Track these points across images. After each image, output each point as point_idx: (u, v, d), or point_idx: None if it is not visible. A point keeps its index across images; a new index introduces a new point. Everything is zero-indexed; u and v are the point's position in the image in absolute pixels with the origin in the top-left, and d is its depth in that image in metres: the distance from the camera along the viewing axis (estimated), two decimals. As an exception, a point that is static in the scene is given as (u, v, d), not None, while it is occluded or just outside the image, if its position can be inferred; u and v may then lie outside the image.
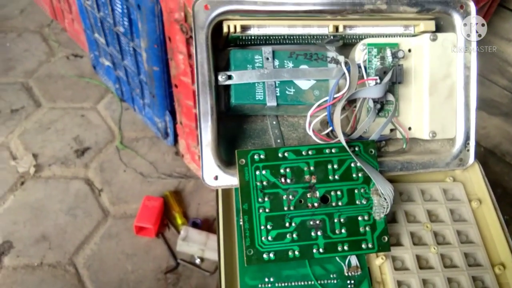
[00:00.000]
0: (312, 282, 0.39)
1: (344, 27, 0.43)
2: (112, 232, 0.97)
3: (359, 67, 0.43)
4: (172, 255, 0.94)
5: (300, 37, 0.43)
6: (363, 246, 0.39)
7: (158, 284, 0.90)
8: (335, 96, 0.41)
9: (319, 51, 0.43)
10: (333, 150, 0.40)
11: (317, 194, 0.39)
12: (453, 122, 0.44)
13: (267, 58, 0.41)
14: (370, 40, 0.44)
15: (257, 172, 0.39)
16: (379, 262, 0.41)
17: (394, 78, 0.43)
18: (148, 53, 0.91)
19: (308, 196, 0.39)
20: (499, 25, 1.09)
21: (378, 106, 0.43)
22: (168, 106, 1.03)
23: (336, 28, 0.43)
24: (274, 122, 0.45)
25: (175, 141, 1.11)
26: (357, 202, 0.40)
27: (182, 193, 1.06)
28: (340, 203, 0.39)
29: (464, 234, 0.44)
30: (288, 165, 0.39)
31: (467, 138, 0.44)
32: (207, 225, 1.00)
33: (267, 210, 0.38)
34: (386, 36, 0.44)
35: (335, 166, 0.40)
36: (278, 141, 0.44)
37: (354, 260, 0.40)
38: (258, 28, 0.41)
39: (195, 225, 0.98)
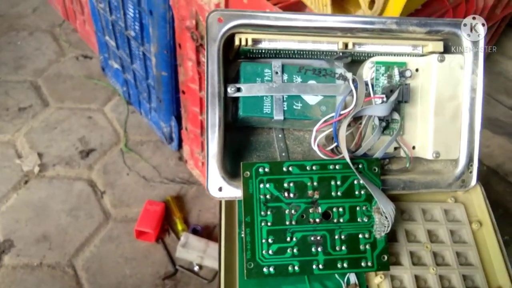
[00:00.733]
0: (311, 298, 0.39)
1: (354, 44, 0.43)
2: (113, 235, 0.97)
3: (367, 84, 0.43)
4: (171, 261, 0.94)
5: (310, 52, 0.43)
6: (363, 264, 0.39)
7: (156, 289, 0.90)
8: (342, 112, 0.42)
9: (328, 67, 0.44)
10: (337, 167, 0.40)
11: (319, 209, 0.39)
12: (457, 143, 0.44)
13: (276, 72, 0.42)
14: (378, 58, 0.44)
15: (261, 185, 0.39)
16: (377, 280, 0.41)
17: (400, 97, 0.43)
18: (158, 58, 0.91)
19: (310, 211, 0.39)
20: (506, 45, 1.09)
21: (384, 124, 0.43)
22: (174, 112, 1.04)
23: (346, 45, 0.43)
24: (280, 135, 0.46)
25: (179, 146, 1.12)
26: (358, 219, 0.40)
27: (183, 198, 1.06)
28: (341, 220, 0.40)
29: (464, 256, 0.44)
30: (292, 179, 0.40)
31: (470, 160, 0.44)
32: (207, 232, 1.00)
33: (269, 224, 0.39)
34: (394, 55, 0.45)
35: (338, 183, 0.40)
36: (283, 154, 0.44)
37: (353, 278, 0.40)
38: (269, 42, 0.42)
39: (195, 232, 0.98)
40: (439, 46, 0.44)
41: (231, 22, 0.39)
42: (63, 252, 0.93)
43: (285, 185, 0.39)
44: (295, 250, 0.38)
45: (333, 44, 0.43)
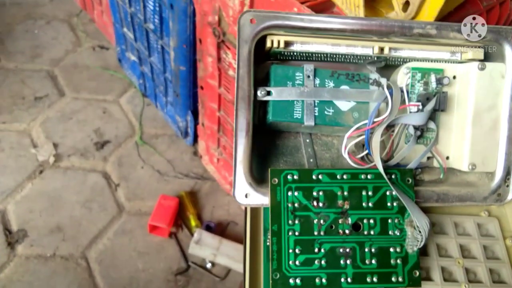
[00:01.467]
0: (338, 312, 0.38)
1: (390, 49, 0.41)
2: (126, 229, 0.97)
3: (402, 91, 0.41)
4: (183, 257, 0.93)
5: (343, 56, 0.42)
6: (393, 279, 0.38)
7: (168, 285, 0.89)
8: (375, 120, 0.40)
9: (361, 72, 0.42)
10: (368, 176, 0.39)
11: (349, 220, 0.38)
12: (494, 156, 0.43)
13: (308, 76, 0.40)
14: (415, 64, 0.42)
15: (289, 193, 0.38)
16: (407, 296, 0.39)
17: (437, 105, 0.41)
18: (176, 52, 0.90)
19: (340, 222, 0.38)
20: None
21: (418, 133, 0.41)
22: (190, 106, 1.03)
23: (382, 49, 0.41)
24: (308, 140, 0.44)
25: (195, 141, 1.11)
26: (390, 232, 0.38)
27: (197, 194, 1.05)
28: (372, 232, 0.38)
29: (497, 273, 0.42)
30: (322, 188, 0.38)
31: (507, 173, 0.42)
32: (220, 229, 0.99)
33: (296, 233, 0.37)
34: (431, 61, 0.43)
35: (370, 193, 0.39)
36: (311, 160, 0.43)
37: (382, 293, 0.39)
38: (301, 45, 0.40)
39: (208, 228, 0.98)
40: (480, 53, 0.42)
41: (264, 23, 0.38)
42: (76, 244, 0.93)
43: (314, 193, 0.38)
44: (323, 262, 0.37)
45: (368, 48, 0.41)
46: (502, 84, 0.42)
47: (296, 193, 0.38)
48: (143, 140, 1.14)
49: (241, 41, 0.37)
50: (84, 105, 1.20)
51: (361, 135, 0.41)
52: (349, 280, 0.37)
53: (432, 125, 0.42)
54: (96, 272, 0.89)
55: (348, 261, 0.37)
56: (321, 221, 0.38)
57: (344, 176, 0.39)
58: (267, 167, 0.39)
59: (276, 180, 0.38)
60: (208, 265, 0.93)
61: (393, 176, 0.39)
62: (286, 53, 0.41)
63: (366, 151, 0.41)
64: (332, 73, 0.41)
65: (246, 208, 0.41)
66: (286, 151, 0.44)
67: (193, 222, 0.99)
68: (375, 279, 0.37)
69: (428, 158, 0.44)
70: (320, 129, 0.43)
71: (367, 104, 0.42)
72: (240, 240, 0.93)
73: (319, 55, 0.41)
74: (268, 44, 0.39)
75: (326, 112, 0.41)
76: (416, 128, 0.41)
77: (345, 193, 0.38)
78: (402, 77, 0.42)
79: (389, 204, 0.39)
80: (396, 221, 0.38)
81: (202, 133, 1.02)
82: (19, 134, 1.11)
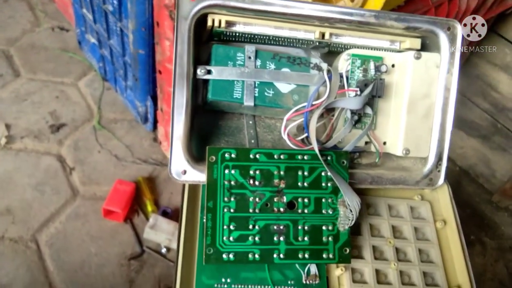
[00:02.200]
0: (269, 287, 0.39)
1: (331, 34, 0.43)
2: (79, 213, 0.95)
3: (341, 76, 0.42)
4: (138, 242, 0.93)
5: (286, 40, 0.42)
6: (324, 255, 0.39)
7: (121, 270, 0.89)
8: (314, 103, 0.41)
9: (303, 56, 0.43)
10: (305, 157, 0.40)
11: (284, 199, 0.39)
12: (427, 142, 0.45)
13: (249, 57, 0.41)
14: (355, 51, 0.44)
15: (226, 171, 0.38)
16: (338, 273, 0.41)
17: (374, 91, 0.43)
18: (135, 35, 0.89)
19: (275, 200, 0.39)
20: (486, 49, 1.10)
21: (356, 117, 0.43)
22: (150, 91, 1.01)
23: (323, 35, 0.42)
24: (251, 122, 0.45)
25: (154, 127, 1.10)
26: (323, 211, 0.40)
27: (155, 180, 1.05)
28: (306, 211, 0.39)
29: (425, 253, 0.44)
30: (259, 167, 0.39)
31: (439, 159, 0.45)
32: (177, 215, 0.99)
33: (231, 210, 0.38)
34: (371, 49, 0.44)
35: (306, 173, 0.40)
36: (252, 141, 0.44)
37: (313, 269, 0.40)
38: (244, 26, 0.41)
39: (165, 214, 0.97)
40: (417, 43, 0.44)
41: (204, 1, 0.38)
42: (26, 227, 0.91)
43: (251, 172, 0.39)
44: (256, 238, 0.38)
45: (310, 33, 0.42)
46: (437, 74, 0.44)
47: (233, 171, 0.38)
48: (101, 124, 1.12)
49: (180, 18, 0.37)
50: (40, 86, 1.17)
51: (301, 118, 0.42)
52: (281, 256, 0.38)
53: (369, 110, 0.43)
54: (46, 255, 0.88)
55: (281, 238, 0.38)
56: (257, 199, 0.38)
57: (282, 156, 0.39)
58: (208, 146, 0.39)
59: (214, 158, 0.38)
60: (163, 250, 0.93)
61: (328, 158, 0.41)
62: (228, 34, 0.41)
63: (306, 134, 0.42)
64: (273, 55, 0.42)
65: (183, 186, 0.41)
66: (229, 131, 0.44)
67: (149, 208, 0.98)
68: (306, 255, 0.39)
69: (366, 143, 0.45)
70: (262, 111, 0.44)
71: (307, 88, 0.43)
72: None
73: (262, 37, 0.42)
74: (209, 23, 0.39)
75: (266, 93, 0.41)
76: (353, 112, 0.42)
77: (282, 172, 0.39)
78: (343, 63, 0.43)
79: (323, 184, 0.40)
80: (329, 200, 0.40)
81: (161, 118, 1.01)
82: (-31, 114, 1.07)
